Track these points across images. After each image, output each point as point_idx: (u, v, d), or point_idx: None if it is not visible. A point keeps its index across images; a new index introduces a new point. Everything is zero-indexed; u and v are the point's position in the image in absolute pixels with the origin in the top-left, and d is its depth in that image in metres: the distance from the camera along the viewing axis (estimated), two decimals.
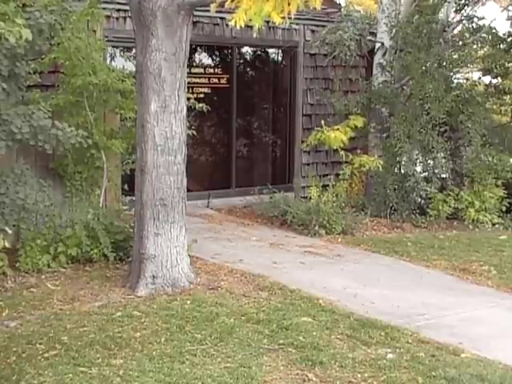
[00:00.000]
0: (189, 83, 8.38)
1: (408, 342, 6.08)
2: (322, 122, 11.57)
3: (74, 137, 7.18)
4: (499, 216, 11.57)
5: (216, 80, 12.20)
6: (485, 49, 12.82)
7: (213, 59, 12.54)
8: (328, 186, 11.05)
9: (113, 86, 8.73)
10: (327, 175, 12.18)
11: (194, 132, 9.65)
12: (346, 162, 11.64)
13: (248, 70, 13.35)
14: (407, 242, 10.00)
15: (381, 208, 11.39)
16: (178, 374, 5.24)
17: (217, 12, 7.73)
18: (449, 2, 12.31)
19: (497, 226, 11.41)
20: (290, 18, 5.35)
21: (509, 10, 13.09)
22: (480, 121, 11.67)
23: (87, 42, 8.82)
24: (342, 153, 11.45)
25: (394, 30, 11.81)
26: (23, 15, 7.19)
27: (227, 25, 10.36)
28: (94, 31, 9.61)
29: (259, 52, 13.14)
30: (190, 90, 9.94)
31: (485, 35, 12.21)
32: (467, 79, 13.07)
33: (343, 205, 10.76)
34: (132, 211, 8.03)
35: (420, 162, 11.79)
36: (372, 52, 12.36)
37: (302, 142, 12.19)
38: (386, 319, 6.59)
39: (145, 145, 7.26)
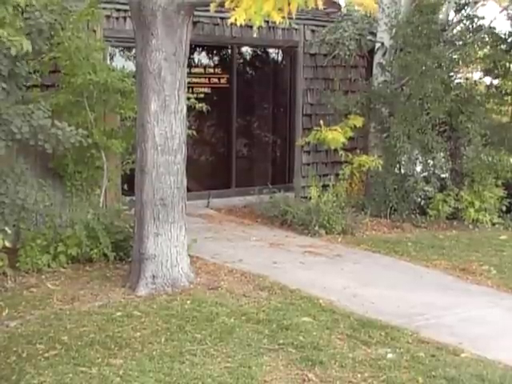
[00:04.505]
0: (189, 83, 8.38)
1: (408, 341, 6.08)
2: (321, 121, 11.57)
3: (74, 136, 7.19)
4: (499, 216, 11.55)
5: (216, 80, 12.19)
6: (485, 49, 12.81)
7: (213, 59, 12.54)
8: (328, 185, 11.04)
9: (113, 85, 8.72)
10: (327, 175, 12.17)
11: (194, 132, 9.65)
12: (345, 162, 11.64)
13: (248, 69, 13.35)
14: (407, 242, 9.99)
15: (381, 208, 11.38)
16: (178, 374, 5.24)
17: (217, 12, 7.71)
18: (449, 2, 12.31)
19: (497, 225, 11.41)
20: (290, 18, 5.34)
21: (509, 10, 13.07)
22: (480, 121, 11.66)
23: (87, 42, 8.82)
24: (342, 153, 11.45)
25: (393, 30, 11.81)
26: (24, 16, 7.22)
27: (227, 25, 10.36)
28: (94, 31, 9.61)
29: (259, 52, 13.14)
30: (190, 90, 9.94)
31: (485, 35, 12.20)
32: (467, 79, 13.06)
33: (343, 205, 10.75)
34: (132, 211, 8.02)
35: (420, 162, 11.79)
36: (372, 52, 12.35)
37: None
38: (385, 319, 6.59)
39: (145, 144, 7.26)
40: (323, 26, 12.35)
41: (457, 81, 12.55)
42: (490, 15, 12.61)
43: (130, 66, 10.03)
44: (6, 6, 6.38)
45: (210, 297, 7.03)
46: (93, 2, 8.73)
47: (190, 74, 9.86)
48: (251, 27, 5.78)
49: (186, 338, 5.94)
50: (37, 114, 6.99)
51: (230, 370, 5.35)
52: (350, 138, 11.71)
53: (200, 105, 9.64)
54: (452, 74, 12.20)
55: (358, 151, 12.12)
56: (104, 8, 9.55)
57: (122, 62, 10.56)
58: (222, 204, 11.76)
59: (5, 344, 5.76)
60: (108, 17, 10.06)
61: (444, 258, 9.19)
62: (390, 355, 5.74)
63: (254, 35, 6.79)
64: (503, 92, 12.67)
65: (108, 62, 10.17)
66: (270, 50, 13.08)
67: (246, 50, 12.90)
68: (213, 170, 12.89)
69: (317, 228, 10.15)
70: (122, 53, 11.04)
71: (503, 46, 12.46)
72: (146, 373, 5.24)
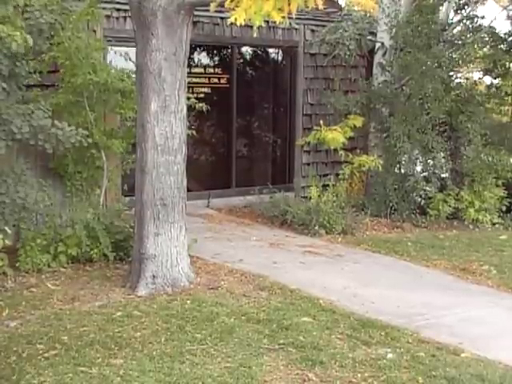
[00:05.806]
0: (189, 83, 8.38)
1: (408, 341, 6.08)
2: (321, 121, 11.57)
3: (74, 136, 7.20)
4: (499, 216, 11.57)
5: (216, 80, 12.19)
6: (485, 49, 12.81)
7: (213, 59, 12.53)
8: (328, 185, 11.05)
9: (113, 85, 8.73)
10: (327, 175, 12.17)
11: (194, 132, 9.65)
12: (345, 162, 11.64)
13: (248, 69, 13.34)
14: (407, 242, 10.00)
15: (381, 208, 11.39)
16: (178, 374, 5.24)
17: (217, 12, 7.73)
18: (449, 2, 12.32)
19: (497, 225, 11.42)
20: (290, 18, 5.34)
21: (509, 10, 13.07)
22: (480, 120, 11.67)
23: (87, 42, 8.82)
24: (342, 152, 11.45)
25: (393, 30, 11.81)
26: (24, 16, 7.22)
27: (227, 24, 10.36)
28: (94, 31, 9.61)
29: (259, 52, 13.13)
30: (190, 90, 9.93)
31: (485, 35, 12.20)
32: (467, 79, 13.06)
33: (343, 205, 10.75)
34: (132, 211, 8.03)
35: (420, 162, 11.80)
36: (372, 52, 12.35)
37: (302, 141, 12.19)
38: (385, 319, 6.59)
39: (145, 144, 7.26)
40: (323, 26, 12.35)
41: (457, 81, 12.57)
42: (490, 15, 12.64)
43: (130, 66, 10.02)
44: (6, 6, 6.38)
45: (210, 297, 7.03)
46: (93, 1, 8.73)
47: (190, 73, 9.85)
48: (251, 27, 5.77)
49: (186, 337, 5.94)
50: (37, 113, 7.00)
51: (229, 370, 5.35)
52: (350, 138, 11.72)
53: (200, 105, 9.64)
54: (452, 73, 12.21)
55: (358, 151, 12.13)
56: (104, 8, 9.56)
57: (122, 62, 10.54)
58: (222, 204, 11.75)
59: (5, 344, 5.75)
60: (108, 17, 10.06)
61: (444, 257, 9.19)
62: (390, 355, 5.74)
63: (254, 35, 6.77)
64: (503, 92, 12.67)
65: (108, 61, 10.16)
66: (270, 50, 13.08)
67: (246, 50, 12.90)
68: (213, 170, 12.88)
69: (317, 228, 10.15)
70: (121, 53, 11.00)
71: (503, 46, 12.47)
72: (146, 373, 5.24)
